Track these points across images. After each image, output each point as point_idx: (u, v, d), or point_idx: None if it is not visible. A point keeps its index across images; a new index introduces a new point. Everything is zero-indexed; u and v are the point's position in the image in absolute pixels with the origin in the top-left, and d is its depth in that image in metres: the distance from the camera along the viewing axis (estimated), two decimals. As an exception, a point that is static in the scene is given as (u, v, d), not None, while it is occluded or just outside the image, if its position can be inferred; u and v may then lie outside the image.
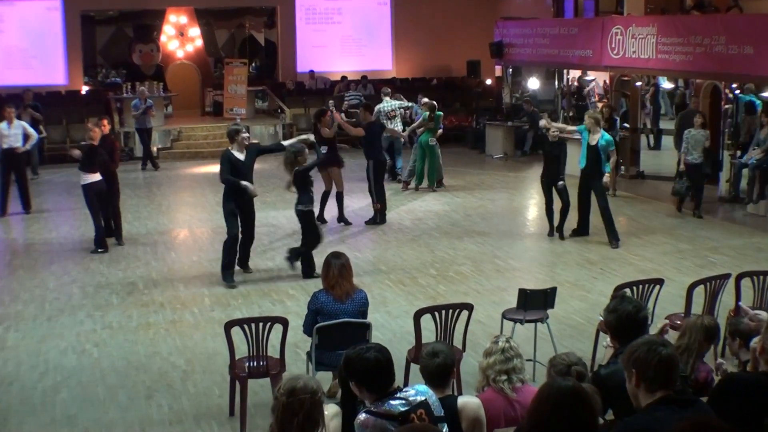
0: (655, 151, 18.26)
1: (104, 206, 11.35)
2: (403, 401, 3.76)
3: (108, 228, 11.55)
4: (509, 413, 4.41)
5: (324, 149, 11.88)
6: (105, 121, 11.76)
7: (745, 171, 13.52)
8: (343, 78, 21.82)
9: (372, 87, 22.03)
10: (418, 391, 3.87)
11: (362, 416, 3.75)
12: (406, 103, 15.98)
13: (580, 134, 11.31)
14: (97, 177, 11.10)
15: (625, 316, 4.21)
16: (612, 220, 11.21)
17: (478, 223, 12.76)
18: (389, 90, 16.23)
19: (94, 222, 11.26)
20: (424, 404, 3.79)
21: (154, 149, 19.09)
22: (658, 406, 3.30)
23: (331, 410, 3.92)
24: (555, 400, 3.12)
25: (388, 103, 15.50)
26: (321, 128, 12.40)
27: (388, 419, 3.71)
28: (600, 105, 15.40)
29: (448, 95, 21.97)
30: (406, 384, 6.01)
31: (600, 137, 11.04)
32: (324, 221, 12.45)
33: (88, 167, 11.04)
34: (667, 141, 17.72)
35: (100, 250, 11.22)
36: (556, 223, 11.65)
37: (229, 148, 9.82)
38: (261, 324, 6.27)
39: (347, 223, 12.63)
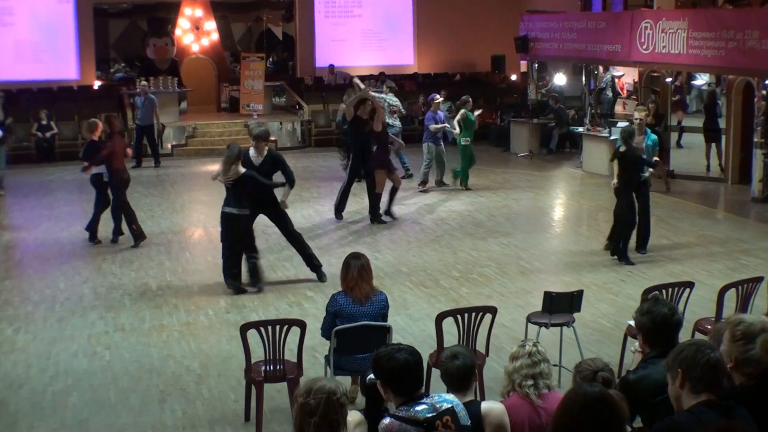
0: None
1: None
2: (429, 407, 3.72)
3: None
4: (534, 420, 4.30)
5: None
6: (112, 119, 11.84)
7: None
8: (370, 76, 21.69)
9: (392, 83, 21.81)
10: (445, 398, 3.83)
11: (386, 420, 3.73)
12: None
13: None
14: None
15: (660, 319, 4.10)
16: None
17: (502, 224, 12.60)
18: (393, 83, 16.19)
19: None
20: (451, 411, 3.75)
21: (168, 146, 18.96)
22: (702, 408, 3.25)
23: (355, 417, 3.86)
24: (581, 407, 3.06)
25: (392, 99, 15.51)
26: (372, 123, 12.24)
27: (412, 424, 3.68)
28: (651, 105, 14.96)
29: (472, 91, 21.59)
30: (426, 389, 5.85)
31: (646, 138, 10.45)
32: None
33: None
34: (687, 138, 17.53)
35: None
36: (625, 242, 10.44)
37: (250, 148, 9.57)
38: (278, 327, 6.20)
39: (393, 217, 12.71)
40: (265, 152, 9.55)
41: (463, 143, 14.62)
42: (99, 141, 11.56)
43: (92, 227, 11.58)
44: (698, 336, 6.83)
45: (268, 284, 9.74)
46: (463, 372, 4.15)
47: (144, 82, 18.72)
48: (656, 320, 4.09)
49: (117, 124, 11.82)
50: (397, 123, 15.62)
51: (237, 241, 9.32)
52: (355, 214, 13.12)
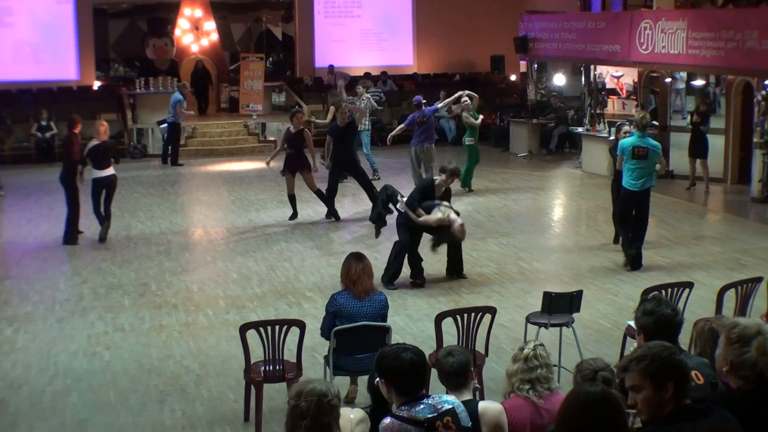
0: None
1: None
2: (430, 407, 3.73)
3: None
4: (536, 421, 4.27)
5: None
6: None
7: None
8: (366, 74, 21.64)
9: (392, 83, 21.78)
10: (446, 399, 3.84)
11: (387, 420, 3.74)
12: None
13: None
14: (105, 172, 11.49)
15: (663, 320, 4.08)
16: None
17: (501, 224, 12.57)
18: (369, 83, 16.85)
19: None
20: (452, 412, 3.75)
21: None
22: (683, 415, 3.19)
23: (357, 415, 3.88)
24: (583, 407, 3.03)
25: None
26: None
27: (413, 424, 3.69)
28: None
29: (471, 91, 21.62)
30: (426, 389, 5.86)
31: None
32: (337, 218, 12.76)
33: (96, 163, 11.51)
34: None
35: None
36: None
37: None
38: (277, 327, 6.19)
39: (337, 218, 12.79)
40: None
41: (467, 143, 14.62)
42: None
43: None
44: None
45: (267, 283, 9.77)
46: (457, 369, 4.15)
47: (184, 82, 18.88)
48: (660, 321, 4.07)
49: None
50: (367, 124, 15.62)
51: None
52: (355, 215, 13.12)
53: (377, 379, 3.96)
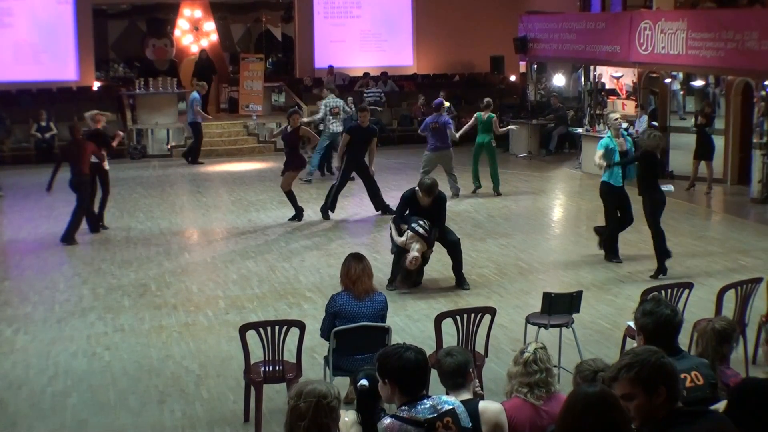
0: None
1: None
2: (430, 408, 3.74)
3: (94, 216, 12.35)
4: (536, 422, 4.29)
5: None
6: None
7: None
8: (366, 74, 21.62)
9: (393, 83, 21.78)
10: (446, 399, 3.85)
11: (387, 420, 3.74)
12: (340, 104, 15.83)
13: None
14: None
15: (663, 320, 4.06)
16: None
17: (501, 225, 12.57)
18: (333, 86, 16.65)
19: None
20: (452, 413, 3.76)
21: (168, 147, 18.96)
22: (677, 418, 3.17)
23: (352, 417, 3.89)
24: (583, 408, 3.02)
25: (333, 100, 15.61)
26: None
27: (413, 425, 3.69)
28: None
29: (471, 92, 21.74)
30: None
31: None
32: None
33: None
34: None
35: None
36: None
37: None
38: (277, 327, 6.19)
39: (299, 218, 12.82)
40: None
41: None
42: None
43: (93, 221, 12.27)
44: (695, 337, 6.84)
45: (267, 284, 9.74)
46: (455, 369, 4.16)
47: (203, 82, 18.99)
48: (659, 321, 4.06)
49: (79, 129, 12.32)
50: (339, 125, 15.46)
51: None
52: (354, 215, 13.12)
53: (360, 383, 3.94)
